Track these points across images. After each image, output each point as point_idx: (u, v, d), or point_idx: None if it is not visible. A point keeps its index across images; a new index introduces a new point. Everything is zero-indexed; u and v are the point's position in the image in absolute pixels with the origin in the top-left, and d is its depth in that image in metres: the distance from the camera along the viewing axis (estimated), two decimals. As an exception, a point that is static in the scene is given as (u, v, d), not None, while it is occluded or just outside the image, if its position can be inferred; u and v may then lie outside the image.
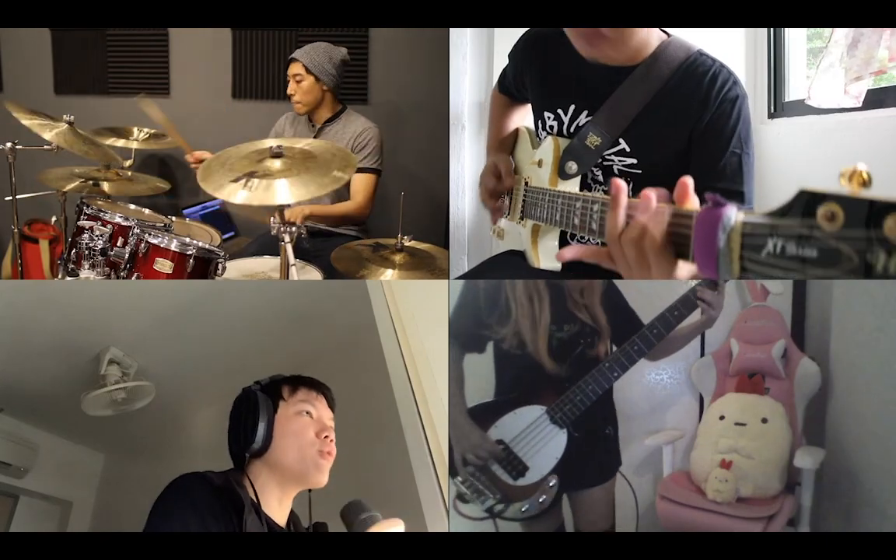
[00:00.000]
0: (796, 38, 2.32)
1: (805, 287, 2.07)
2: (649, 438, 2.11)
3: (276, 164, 1.73)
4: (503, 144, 1.88)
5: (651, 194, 0.96)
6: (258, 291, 2.20)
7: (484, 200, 1.85)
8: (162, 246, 1.98)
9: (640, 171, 1.52)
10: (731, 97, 1.42)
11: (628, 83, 1.48)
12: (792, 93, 2.33)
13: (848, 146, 1.89)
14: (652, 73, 1.46)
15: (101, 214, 2.08)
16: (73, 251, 2.09)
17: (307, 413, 1.24)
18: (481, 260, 1.94)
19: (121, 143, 2.96)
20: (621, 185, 1.00)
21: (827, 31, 1.96)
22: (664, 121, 1.47)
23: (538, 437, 1.67)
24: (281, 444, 1.19)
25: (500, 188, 1.78)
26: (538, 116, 1.69)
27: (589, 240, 1.34)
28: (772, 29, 2.36)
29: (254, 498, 1.15)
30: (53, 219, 2.62)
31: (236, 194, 1.66)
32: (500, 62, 1.88)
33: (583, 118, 1.56)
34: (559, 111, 1.60)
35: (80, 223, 2.08)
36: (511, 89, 1.86)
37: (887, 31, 1.72)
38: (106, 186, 2.53)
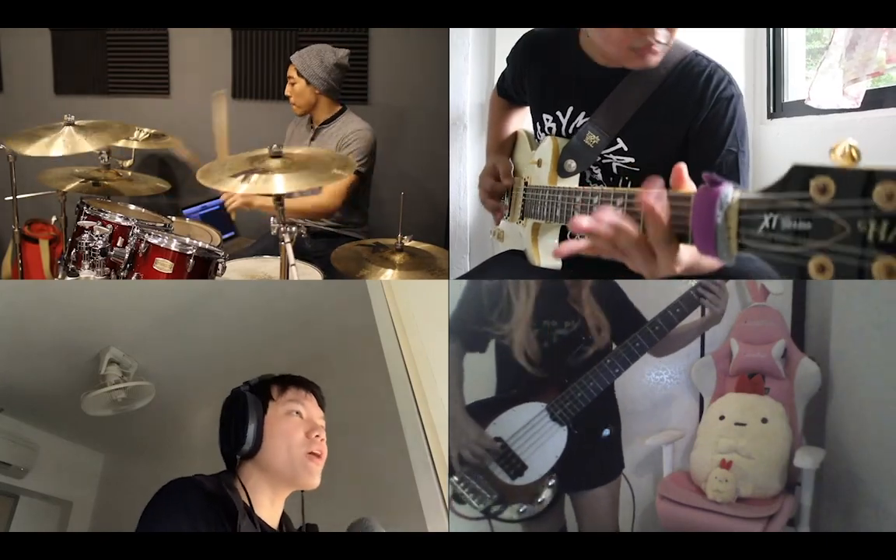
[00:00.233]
0: (795, 39, 2.33)
1: (805, 287, 2.07)
2: (649, 438, 2.11)
3: (276, 162, 1.75)
4: (502, 147, 1.89)
5: (660, 182, 0.98)
6: (258, 291, 2.20)
7: (483, 201, 1.86)
8: (162, 246, 1.98)
9: (637, 170, 1.53)
10: (726, 96, 1.43)
11: (625, 83, 1.49)
12: (791, 93, 2.33)
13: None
14: (649, 72, 1.47)
15: (101, 214, 2.08)
16: (73, 251, 2.09)
17: (297, 413, 1.22)
18: (483, 260, 1.95)
19: (121, 143, 2.95)
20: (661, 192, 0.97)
21: (826, 32, 1.96)
22: (661, 120, 1.48)
23: (538, 435, 1.66)
24: (271, 445, 1.18)
25: (498, 188, 1.79)
26: (536, 118, 1.70)
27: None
28: (771, 30, 2.36)
29: (246, 501, 1.14)
30: (53, 219, 2.62)
31: (237, 188, 1.70)
32: (502, 63, 1.89)
33: (580, 119, 1.57)
34: (557, 113, 1.61)
35: (80, 223, 2.08)
36: (510, 92, 1.86)
37: (885, 32, 1.72)
38: (106, 186, 2.53)
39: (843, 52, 1.86)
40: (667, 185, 1.00)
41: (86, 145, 2.24)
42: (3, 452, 2.65)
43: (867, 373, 1.82)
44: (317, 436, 1.22)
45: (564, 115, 1.59)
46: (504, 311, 1.74)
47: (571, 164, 1.54)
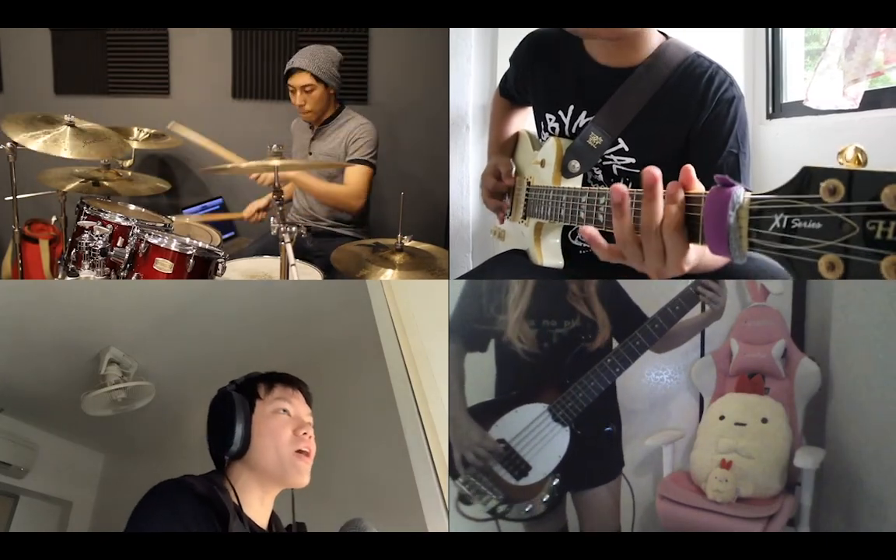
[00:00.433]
0: (794, 40, 2.33)
1: (805, 287, 2.07)
2: (649, 438, 2.11)
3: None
4: (504, 148, 1.89)
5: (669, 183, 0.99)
6: (258, 291, 2.20)
7: (485, 201, 1.87)
8: (162, 246, 1.98)
9: (638, 171, 1.53)
10: (727, 98, 1.44)
11: (628, 84, 1.49)
12: (790, 94, 2.34)
13: (845, 146, 1.89)
14: (651, 74, 1.47)
15: (101, 214, 2.08)
16: (73, 251, 2.09)
17: (284, 411, 1.22)
18: (485, 259, 1.95)
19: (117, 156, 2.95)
20: (656, 173, 1.01)
21: (824, 33, 1.96)
22: (662, 121, 1.48)
23: (540, 436, 1.67)
24: (259, 444, 1.17)
25: (499, 188, 1.79)
26: (539, 118, 1.70)
27: None
28: (770, 32, 2.37)
29: (235, 501, 1.13)
30: (53, 219, 2.62)
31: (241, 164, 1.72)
32: (504, 64, 1.89)
33: (582, 119, 1.57)
34: (560, 113, 1.61)
35: (80, 223, 2.08)
36: (512, 92, 1.87)
37: (884, 33, 1.73)
38: (106, 186, 2.53)
39: (841, 54, 1.86)
40: (665, 185, 1.01)
41: (83, 154, 2.23)
42: (3, 452, 2.65)
43: (867, 373, 1.82)
44: (304, 433, 1.21)
45: (567, 115, 1.60)
46: (502, 304, 1.74)
47: (575, 165, 1.55)
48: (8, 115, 2.29)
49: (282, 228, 1.78)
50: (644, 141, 1.51)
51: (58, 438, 2.98)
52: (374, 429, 1.96)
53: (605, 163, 1.56)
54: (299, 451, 1.19)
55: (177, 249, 1.98)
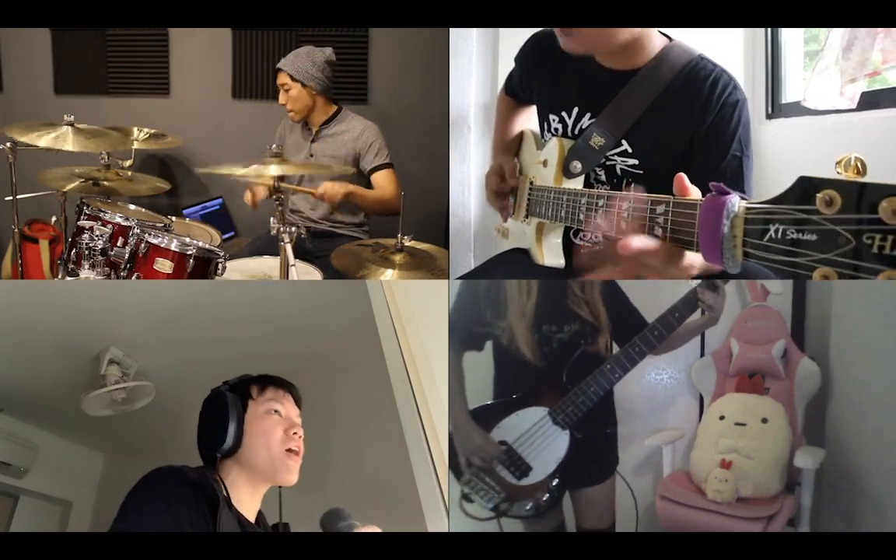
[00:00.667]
0: (793, 41, 2.34)
1: (805, 287, 2.07)
2: (649, 438, 2.11)
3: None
4: (508, 147, 1.90)
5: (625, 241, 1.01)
6: (258, 291, 2.20)
7: (489, 200, 1.87)
8: (162, 246, 1.98)
9: (641, 172, 1.53)
10: (731, 101, 1.44)
11: (631, 86, 1.49)
12: (789, 94, 2.34)
13: (844, 146, 1.88)
14: (654, 76, 1.48)
15: (101, 214, 2.08)
16: (73, 251, 2.09)
17: (276, 412, 1.25)
18: (487, 258, 1.95)
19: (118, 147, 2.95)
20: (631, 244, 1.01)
21: (823, 34, 1.97)
22: (666, 123, 1.48)
23: (541, 439, 1.68)
24: (251, 443, 1.21)
25: (503, 188, 1.80)
26: (543, 119, 1.70)
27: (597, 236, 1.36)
28: (769, 32, 2.37)
29: (226, 495, 1.16)
30: (53, 219, 2.62)
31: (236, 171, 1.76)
32: (505, 64, 1.90)
33: (586, 120, 1.58)
34: (563, 114, 1.62)
35: (80, 223, 2.08)
36: (517, 92, 1.87)
37: (881, 33, 1.73)
38: (106, 186, 2.53)
39: (839, 54, 1.86)
40: (670, 191, 1.01)
41: (84, 147, 2.23)
42: (3, 452, 2.65)
43: (867, 373, 1.82)
44: (295, 433, 1.25)
45: (570, 117, 1.60)
46: (501, 308, 1.74)
47: (577, 166, 1.55)
48: (8, 126, 2.28)
49: (282, 228, 1.78)
50: (647, 143, 1.51)
51: (58, 438, 2.98)
52: (374, 429, 1.96)
53: (608, 163, 1.56)
54: (289, 451, 1.23)
55: (177, 249, 1.98)
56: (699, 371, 2.16)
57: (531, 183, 1.69)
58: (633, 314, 1.79)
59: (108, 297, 2.12)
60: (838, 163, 0.75)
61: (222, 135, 3.37)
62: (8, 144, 2.29)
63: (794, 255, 0.78)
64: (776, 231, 0.80)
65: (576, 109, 1.59)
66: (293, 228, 1.81)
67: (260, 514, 1.26)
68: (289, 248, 1.76)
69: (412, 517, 1.48)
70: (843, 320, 1.93)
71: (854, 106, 1.87)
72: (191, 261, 1.97)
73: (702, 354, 2.20)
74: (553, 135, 1.65)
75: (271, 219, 1.84)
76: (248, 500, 1.21)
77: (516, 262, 1.73)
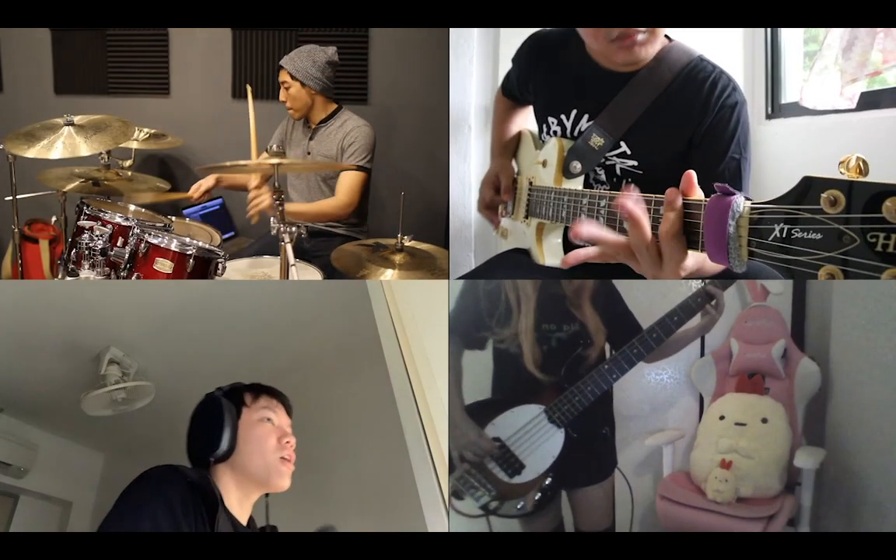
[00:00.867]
0: (793, 42, 2.34)
1: (805, 287, 2.07)
2: (649, 438, 2.11)
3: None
4: (506, 148, 1.90)
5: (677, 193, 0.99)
6: (258, 291, 2.20)
7: (480, 210, 1.89)
8: (162, 246, 1.98)
9: (640, 172, 1.53)
10: (730, 103, 1.44)
11: (631, 86, 1.49)
12: (788, 95, 2.34)
13: (843, 146, 1.89)
14: (654, 76, 1.48)
15: (101, 214, 2.08)
16: (73, 251, 2.09)
17: (268, 420, 1.27)
18: (487, 257, 1.96)
19: (121, 143, 2.96)
20: (677, 191, 0.99)
21: (822, 34, 1.96)
22: (665, 124, 1.48)
23: (535, 436, 1.68)
24: (245, 449, 1.23)
25: (496, 201, 1.81)
26: (542, 120, 1.70)
27: None
28: (769, 32, 2.37)
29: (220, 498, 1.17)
30: (53, 219, 2.62)
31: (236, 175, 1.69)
32: (506, 65, 1.90)
33: (584, 122, 1.57)
34: (562, 116, 1.61)
35: (80, 223, 2.08)
36: (515, 92, 1.87)
37: (881, 33, 1.73)
38: (106, 186, 2.53)
39: (838, 54, 1.86)
40: (668, 187, 1.01)
41: (85, 149, 2.23)
42: (3, 452, 2.65)
43: (867, 373, 1.82)
44: (287, 442, 1.27)
45: (569, 118, 1.60)
46: (503, 317, 1.74)
47: (577, 166, 1.55)
48: (7, 137, 2.27)
49: (282, 228, 1.78)
50: (646, 143, 1.51)
51: (58, 438, 2.98)
52: (374, 428, 1.96)
53: (607, 163, 1.56)
54: (282, 459, 1.25)
55: (177, 249, 1.98)
56: (699, 371, 2.16)
57: (530, 183, 1.69)
58: (629, 318, 1.79)
59: (108, 297, 2.12)
60: (841, 163, 0.76)
61: (222, 135, 3.37)
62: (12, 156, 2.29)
63: (799, 254, 0.79)
64: (781, 231, 0.80)
65: (574, 111, 1.59)
66: (293, 228, 1.81)
67: (251, 520, 1.27)
68: (289, 248, 1.76)
69: (412, 517, 1.48)
70: (843, 320, 1.93)
71: (853, 106, 1.87)
72: (191, 261, 1.97)
73: (702, 354, 2.20)
74: (552, 136, 1.65)
75: (271, 219, 1.84)
76: (237, 506, 1.22)
77: (516, 262, 1.73)
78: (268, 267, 2.28)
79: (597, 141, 1.53)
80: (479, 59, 2.52)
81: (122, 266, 2.01)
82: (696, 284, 1.69)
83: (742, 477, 1.77)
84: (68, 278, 2.09)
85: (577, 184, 1.56)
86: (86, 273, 2.03)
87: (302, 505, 1.29)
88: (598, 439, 1.78)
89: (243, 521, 1.23)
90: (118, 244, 2.03)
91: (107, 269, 2.04)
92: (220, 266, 2.06)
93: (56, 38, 3.44)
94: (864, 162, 0.75)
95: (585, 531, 1.83)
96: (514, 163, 1.88)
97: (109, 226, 2.06)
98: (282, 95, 2.67)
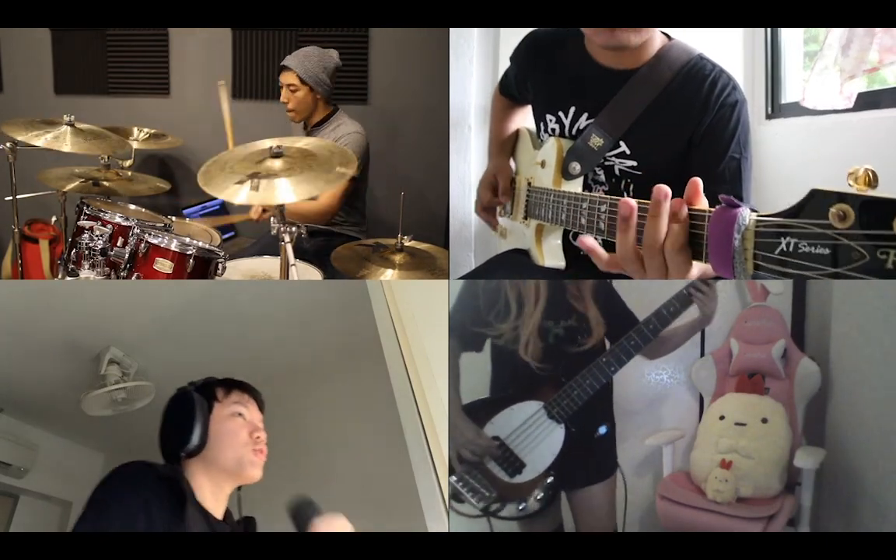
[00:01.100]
0: (793, 42, 2.34)
1: (805, 287, 2.07)
2: (649, 438, 2.11)
3: (277, 163, 1.73)
4: (504, 146, 1.89)
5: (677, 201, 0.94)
6: (258, 291, 2.20)
7: (477, 213, 1.89)
8: (162, 246, 1.98)
9: (640, 173, 1.53)
10: (730, 102, 1.43)
11: (630, 85, 1.49)
12: (788, 95, 2.34)
13: (843, 147, 1.90)
14: (653, 75, 1.47)
15: (101, 214, 2.08)
16: (73, 251, 2.09)
17: (240, 415, 1.28)
18: (487, 257, 1.95)
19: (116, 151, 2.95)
20: (667, 191, 0.94)
21: (822, 34, 1.97)
22: (665, 123, 1.47)
23: (535, 433, 1.67)
24: (217, 443, 1.24)
25: (494, 203, 1.81)
26: (539, 119, 1.69)
27: (596, 239, 1.35)
28: (769, 32, 2.37)
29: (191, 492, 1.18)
30: (53, 219, 2.62)
31: (239, 194, 1.64)
32: (506, 64, 1.90)
33: (583, 120, 1.57)
34: (560, 114, 1.61)
35: (80, 223, 2.08)
36: (513, 91, 1.86)
37: (879, 31, 1.72)
38: (106, 186, 2.53)
39: (837, 53, 1.86)
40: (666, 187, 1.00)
41: (78, 148, 2.23)
42: (3, 452, 2.65)
43: (867, 373, 1.82)
44: (258, 437, 1.28)
45: (567, 117, 1.59)
46: (501, 312, 1.74)
47: (576, 167, 1.55)
48: (7, 121, 2.28)
49: (282, 228, 1.78)
50: (646, 143, 1.51)
51: (58, 438, 2.98)
52: (374, 428, 1.95)
53: (606, 164, 1.56)
54: (254, 450, 1.27)
55: (177, 249, 1.98)
56: (699, 371, 2.16)
57: (529, 183, 1.69)
58: (627, 314, 1.79)
59: (108, 297, 2.12)
60: (850, 174, 0.74)
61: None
62: (8, 144, 2.29)
63: (805, 269, 0.77)
64: (788, 244, 0.78)
65: (573, 109, 1.58)
66: (293, 228, 1.81)
67: (228, 513, 1.28)
68: (289, 247, 1.76)
69: (412, 517, 1.48)
70: (843, 320, 1.93)
71: (851, 105, 1.87)
72: (191, 261, 1.97)
73: (702, 354, 2.20)
74: (550, 134, 1.65)
75: (271, 219, 1.84)
76: (212, 499, 1.23)
77: (516, 262, 1.73)
78: (268, 267, 2.28)
79: (596, 141, 1.52)
80: (479, 59, 2.52)
81: (122, 266, 2.01)
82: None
83: (742, 477, 1.77)
84: (68, 278, 2.09)
85: (576, 184, 1.56)
86: (86, 273, 2.03)
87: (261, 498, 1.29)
88: (599, 436, 1.77)
89: (218, 514, 1.24)
90: (118, 244, 2.03)
91: (107, 269, 2.04)
92: (220, 266, 2.05)
93: (56, 38, 3.44)
94: (874, 173, 0.73)
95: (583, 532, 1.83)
96: (511, 162, 1.88)
97: (109, 226, 2.06)
98: (284, 97, 2.62)
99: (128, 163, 2.81)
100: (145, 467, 1.14)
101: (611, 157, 1.54)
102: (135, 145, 2.99)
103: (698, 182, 0.95)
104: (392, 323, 1.74)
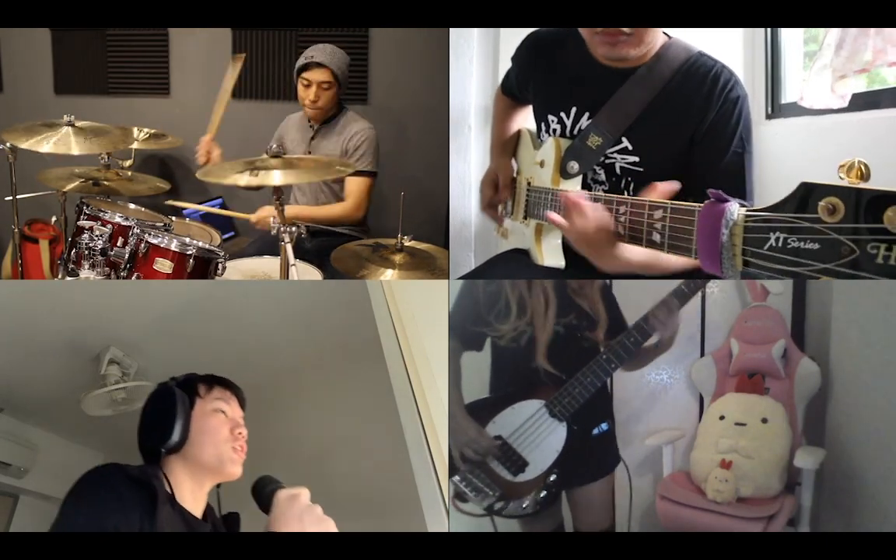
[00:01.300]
0: (793, 42, 2.34)
1: (805, 287, 2.07)
2: (649, 438, 2.11)
3: (275, 163, 1.76)
4: (505, 146, 1.90)
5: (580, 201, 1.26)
6: (258, 291, 2.20)
7: (483, 209, 1.89)
8: (162, 246, 1.98)
9: (641, 170, 1.53)
10: (732, 98, 1.44)
11: (630, 84, 1.49)
12: (788, 95, 2.34)
13: (844, 147, 1.90)
14: (654, 73, 1.47)
15: (101, 214, 2.08)
16: (73, 251, 2.09)
17: (221, 411, 1.28)
18: (487, 257, 1.96)
19: (119, 147, 2.95)
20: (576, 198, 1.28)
21: (821, 34, 1.97)
22: (667, 121, 1.48)
23: (537, 432, 1.67)
24: (198, 439, 1.23)
25: (496, 200, 1.82)
26: (541, 119, 1.70)
27: None
28: (769, 32, 2.37)
29: (169, 491, 1.18)
30: (53, 219, 2.62)
31: (239, 179, 1.73)
32: (506, 65, 1.90)
33: (585, 120, 1.57)
34: (562, 114, 1.61)
35: (80, 223, 2.08)
36: (514, 91, 1.87)
37: (872, 31, 1.72)
38: (106, 186, 2.53)
39: (832, 53, 1.86)
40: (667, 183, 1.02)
41: (80, 149, 2.23)
42: (3, 452, 2.64)
43: (867, 373, 1.82)
44: (240, 433, 1.28)
45: (569, 116, 1.60)
46: (502, 313, 1.74)
47: (574, 166, 1.55)
48: (6, 129, 2.28)
49: (282, 228, 1.78)
50: (648, 140, 1.51)
51: (58, 438, 2.98)
52: (374, 428, 1.95)
53: (607, 161, 1.56)
54: (234, 447, 1.27)
55: (177, 249, 1.98)
56: (699, 371, 2.16)
57: (528, 183, 1.69)
58: (619, 319, 1.79)
59: (108, 297, 2.12)
60: (841, 167, 0.72)
61: (222, 135, 3.36)
62: (8, 145, 2.29)
63: (795, 265, 0.75)
64: (777, 240, 0.77)
65: (574, 109, 1.58)
66: (293, 228, 1.81)
67: (209, 509, 1.27)
68: (289, 247, 1.76)
69: (412, 517, 1.48)
70: (843, 320, 1.93)
71: (845, 105, 1.87)
72: (191, 261, 1.97)
73: (702, 354, 2.20)
74: (550, 135, 1.65)
75: (271, 218, 1.84)
76: (191, 497, 1.22)
77: (516, 262, 1.73)
78: (268, 267, 2.28)
79: (595, 140, 1.52)
80: (479, 59, 2.52)
81: (122, 266, 2.01)
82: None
83: (742, 477, 1.77)
84: (68, 278, 2.09)
85: (575, 184, 1.56)
86: (86, 273, 2.03)
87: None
88: (598, 434, 1.78)
89: (198, 512, 1.23)
90: (118, 244, 2.03)
91: (107, 269, 2.04)
92: (220, 266, 2.06)
93: (56, 38, 3.44)
94: (866, 166, 0.71)
95: (585, 531, 1.83)
96: (513, 162, 1.88)
97: (109, 226, 2.06)
98: (314, 95, 2.54)
99: (128, 163, 2.81)
100: (113, 469, 1.12)
101: (612, 153, 1.54)
102: (135, 145, 2.99)
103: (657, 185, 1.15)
104: (392, 323, 1.74)
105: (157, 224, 2.12)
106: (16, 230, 2.49)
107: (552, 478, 1.67)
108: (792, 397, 1.93)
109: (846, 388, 1.91)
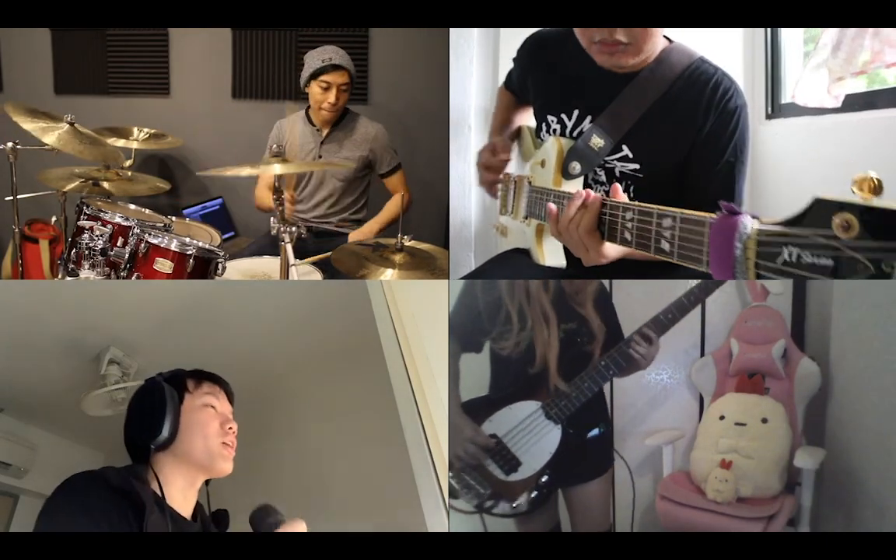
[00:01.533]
0: (793, 42, 2.34)
1: (805, 287, 2.07)
2: (649, 438, 2.11)
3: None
4: (505, 132, 1.90)
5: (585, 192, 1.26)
6: (258, 291, 2.20)
7: (480, 175, 1.88)
8: (162, 246, 1.98)
9: (641, 175, 1.53)
10: (731, 108, 1.44)
11: (631, 87, 1.49)
12: (788, 95, 2.35)
13: (843, 147, 1.90)
14: (655, 77, 1.47)
15: (101, 214, 2.08)
16: (73, 251, 2.09)
17: (211, 406, 1.26)
18: (487, 257, 1.95)
19: (121, 143, 2.96)
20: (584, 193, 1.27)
21: (818, 34, 1.97)
22: (667, 127, 1.48)
23: (532, 432, 1.68)
24: (188, 435, 1.21)
25: (493, 163, 1.79)
26: (541, 120, 1.70)
27: None
28: (769, 32, 2.37)
29: (158, 492, 1.15)
30: (53, 219, 2.62)
31: (241, 171, 1.77)
32: (506, 65, 1.91)
33: (586, 122, 1.57)
34: (563, 115, 1.61)
35: (80, 223, 2.08)
36: (516, 90, 1.87)
37: (869, 32, 1.72)
38: (106, 186, 2.53)
39: (829, 53, 1.87)
40: (670, 195, 1.02)
41: (77, 152, 2.23)
42: (3, 452, 2.64)
43: (867, 373, 1.82)
44: (229, 428, 1.26)
45: (570, 118, 1.60)
46: (504, 330, 1.74)
47: (576, 167, 1.55)
48: (12, 102, 2.28)
49: (282, 228, 1.78)
50: (647, 146, 1.51)
51: (58, 438, 2.98)
52: (374, 428, 1.95)
53: (608, 166, 1.56)
54: (224, 444, 1.24)
55: (177, 249, 1.98)
56: (699, 371, 2.16)
57: (529, 183, 1.69)
58: (617, 328, 1.79)
59: (108, 297, 2.12)
60: (854, 182, 0.71)
61: (222, 135, 3.37)
62: (9, 145, 2.29)
63: (809, 278, 0.75)
64: (790, 254, 0.77)
65: (576, 112, 1.58)
66: (293, 228, 1.81)
67: (198, 507, 1.26)
68: (289, 247, 1.76)
69: (412, 517, 1.48)
70: (843, 320, 1.93)
71: (839, 105, 1.87)
72: (191, 261, 1.97)
73: (702, 354, 2.20)
74: (551, 135, 1.65)
75: (271, 218, 1.84)
76: (181, 495, 1.20)
77: (516, 262, 1.73)
78: (268, 267, 2.28)
79: (597, 142, 1.52)
80: (479, 59, 2.52)
81: (122, 266, 2.01)
82: (691, 283, 1.69)
83: (742, 477, 1.77)
84: (68, 278, 2.09)
85: (576, 185, 1.56)
86: (86, 273, 2.03)
87: (301, 503, 1.28)
88: (593, 437, 1.78)
89: (187, 511, 1.21)
90: (118, 244, 2.03)
91: (107, 269, 2.04)
92: (220, 266, 2.06)
93: (56, 38, 3.44)
94: (879, 181, 0.70)
95: (583, 531, 1.83)
96: (514, 151, 1.88)
97: (109, 226, 2.06)
98: (332, 97, 2.54)
99: (128, 163, 2.81)
100: (95, 479, 1.08)
101: (612, 160, 1.54)
102: (135, 145, 2.99)
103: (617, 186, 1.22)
104: (392, 323, 1.74)
105: (157, 224, 2.12)
106: (16, 230, 2.49)
107: (544, 478, 1.68)
108: (792, 397, 1.93)
109: (846, 388, 1.91)
